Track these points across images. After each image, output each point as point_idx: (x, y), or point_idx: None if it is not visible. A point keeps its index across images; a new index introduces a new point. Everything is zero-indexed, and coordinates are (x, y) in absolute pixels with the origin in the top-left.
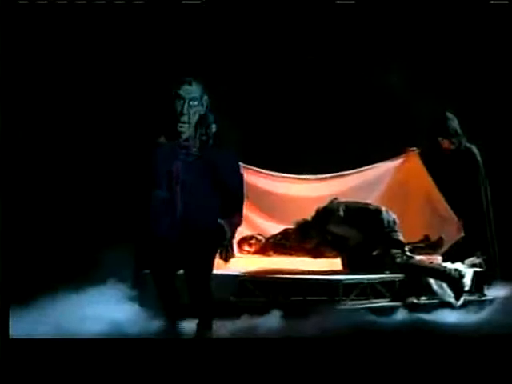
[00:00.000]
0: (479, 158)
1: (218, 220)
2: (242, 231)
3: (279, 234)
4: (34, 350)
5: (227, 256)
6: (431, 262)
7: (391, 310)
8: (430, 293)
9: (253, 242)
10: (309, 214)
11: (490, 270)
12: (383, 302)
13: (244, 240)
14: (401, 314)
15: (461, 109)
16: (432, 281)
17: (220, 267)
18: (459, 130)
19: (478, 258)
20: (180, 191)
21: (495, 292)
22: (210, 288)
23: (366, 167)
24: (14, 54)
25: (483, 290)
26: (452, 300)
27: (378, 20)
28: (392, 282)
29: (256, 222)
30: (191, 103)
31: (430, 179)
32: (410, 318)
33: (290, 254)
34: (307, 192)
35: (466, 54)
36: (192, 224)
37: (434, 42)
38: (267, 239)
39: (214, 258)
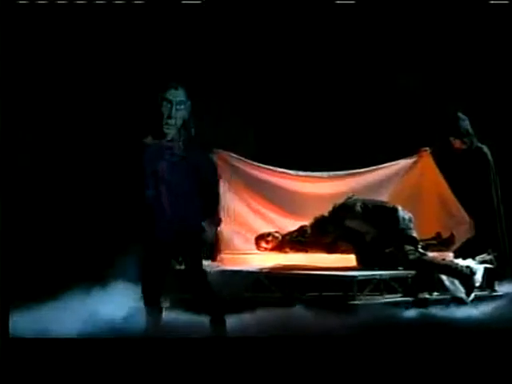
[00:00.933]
0: (490, 157)
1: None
2: (259, 228)
3: (295, 231)
4: (35, 350)
5: (212, 254)
6: (443, 259)
7: (404, 305)
8: (442, 289)
9: (270, 238)
10: (324, 210)
11: (501, 267)
12: (396, 298)
13: (261, 237)
14: (413, 309)
15: (471, 109)
16: (444, 277)
17: (237, 263)
18: (470, 130)
19: (489, 254)
20: (166, 191)
21: (506, 288)
22: (209, 285)
23: (379, 166)
24: (14, 53)
25: (494, 286)
26: (463, 296)
27: (380, 21)
28: (404, 278)
29: (272, 219)
30: (178, 107)
31: (442, 179)
32: (421, 313)
33: (306, 251)
34: (322, 189)
35: (473, 54)
36: (178, 223)
37: (438, 42)
38: (283, 236)
39: (201, 256)
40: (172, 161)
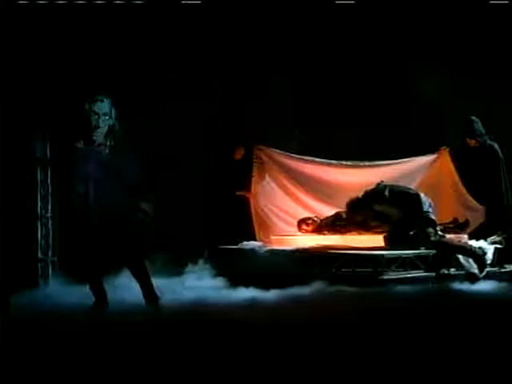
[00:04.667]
0: (500, 153)
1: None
2: (300, 214)
3: (332, 215)
4: (35, 330)
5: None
6: (459, 241)
7: (425, 280)
8: (459, 266)
9: (310, 222)
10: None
11: (510, 247)
12: (419, 273)
13: (302, 221)
14: (434, 283)
15: (484, 110)
16: (460, 256)
17: (283, 244)
18: (483, 131)
19: (498, 236)
20: (93, 189)
21: None
22: (144, 265)
23: (404, 159)
24: (14, 53)
25: (503, 264)
26: (477, 272)
27: (379, 21)
28: (426, 256)
29: (310, 206)
30: (103, 117)
31: (457, 175)
32: (441, 286)
33: (342, 233)
34: (356, 178)
35: (472, 54)
36: (103, 211)
37: (437, 43)
38: (322, 220)
39: (126, 241)
40: (99, 163)
